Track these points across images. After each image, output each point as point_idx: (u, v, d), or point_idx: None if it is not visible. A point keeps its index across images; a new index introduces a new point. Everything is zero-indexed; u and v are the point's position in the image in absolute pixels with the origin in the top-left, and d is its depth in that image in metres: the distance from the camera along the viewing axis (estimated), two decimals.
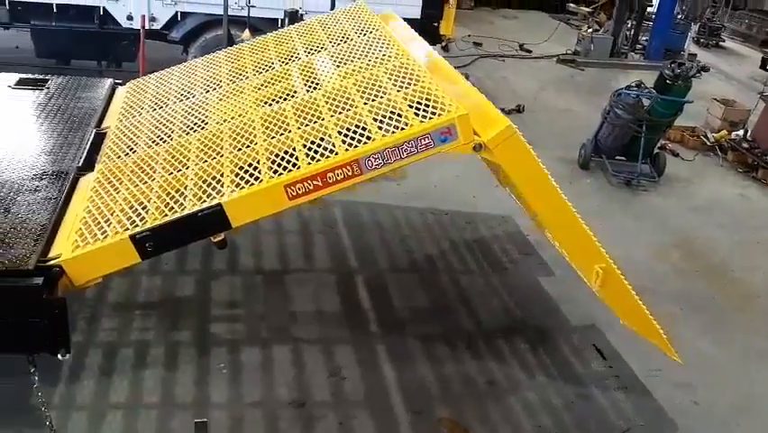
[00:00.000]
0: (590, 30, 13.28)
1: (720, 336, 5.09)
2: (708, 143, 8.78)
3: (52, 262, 2.92)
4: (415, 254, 5.65)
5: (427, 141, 3.21)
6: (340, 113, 3.52)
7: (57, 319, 2.82)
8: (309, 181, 3.11)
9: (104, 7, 7.45)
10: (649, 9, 13.83)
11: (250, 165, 3.25)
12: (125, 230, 3.00)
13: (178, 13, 7.55)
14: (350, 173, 3.15)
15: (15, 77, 4.91)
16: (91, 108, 4.50)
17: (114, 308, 4.50)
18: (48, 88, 4.74)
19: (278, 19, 7.36)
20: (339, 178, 3.15)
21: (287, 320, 4.64)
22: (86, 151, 3.86)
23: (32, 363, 3.01)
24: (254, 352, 4.28)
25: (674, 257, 6.08)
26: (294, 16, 6.54)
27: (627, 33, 13.18)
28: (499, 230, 6.07)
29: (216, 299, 4.77)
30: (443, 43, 9.26)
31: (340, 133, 3.32)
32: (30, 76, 4.99)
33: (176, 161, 3.50)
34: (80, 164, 3.72)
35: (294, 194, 3.11)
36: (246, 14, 7.28)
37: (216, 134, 3.67)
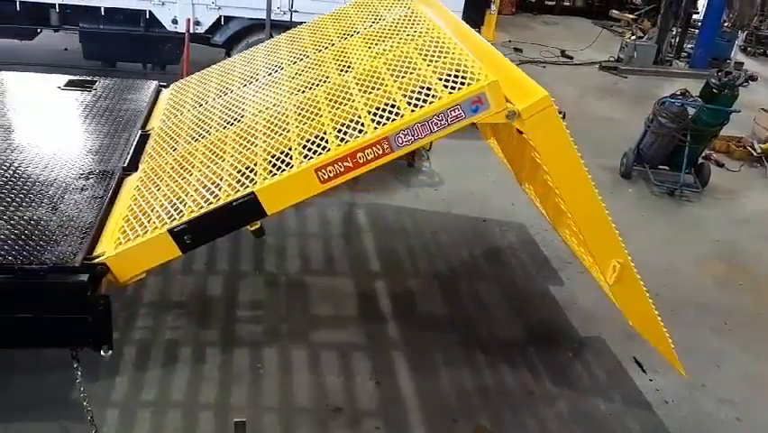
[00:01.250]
0: (634, 37, 13.08)
1: (765, 351, 4.94)
2: (755, 154, 8.55)
3: (97, 259, 2.98)
4: (450, 261, 5.62)
5: (458, 112, 3.11)
6: (370, 93, 3.47)
7: (101, 316, 2.87)
8: (339, 163, 3.07)
9: (150, 11, 7.59)
10: (695, 16, 13.57)
11: (282, 153, 3.24)
12: (164, 225, 3.05)
13: (222, 18, 7.65)
14: (380, 152, 3.09)
15: (65, 78, 5.03)
16: (137, 110, 4.59)
17: (149, 306, 4.58)
18: (95, 90, 4.85)
19: None
20: (370, 157, 3.09)
21: (323, 323, 4.65)
22: (131, 151, 3.94)
23: (75, 359, 3.07)
24: (291, 353, 4.31)
25: (718, 270, 5.94)
26: None
27: (672, 41, 12.94)
28: (538, 238, 5.99)
29: (254, 299, 4.81)
30: None
31: (370, 113, 3.26)
32: (78, 77, 5.11)
33: (213, 155, 3.55)
34: (125, 164, 3.79)
35: (325, 177, 3.08)
36: (288, 19, 7.35)
37: (252, 126, 3.70)
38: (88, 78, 5.06)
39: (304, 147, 3.20)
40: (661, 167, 7.58)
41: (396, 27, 4.33)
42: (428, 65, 3.50)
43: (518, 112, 3.10)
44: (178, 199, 3.21)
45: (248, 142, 3.53)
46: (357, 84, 3.65)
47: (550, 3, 16.85)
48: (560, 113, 9.49)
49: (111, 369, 3.91)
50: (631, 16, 15.11)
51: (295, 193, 3.14)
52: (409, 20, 4.38)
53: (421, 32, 4.03)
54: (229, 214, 3.07)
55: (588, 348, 4.69)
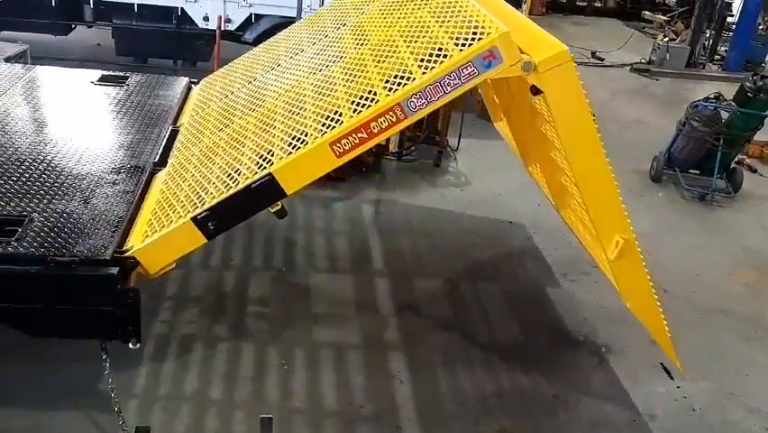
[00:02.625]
0: (666, 39, 12.90)
1: None
2: None
3: (127, 253, 3.02)
4: (474, 263, 5.59)
5: (470, 69, 2.99)
6: (384, 62, 3.40)
7: (130, 309, 2.90)
8: (354, 135, 3.03)
9: (182, 8, 7.68)
10: (729, 19, 13.33)
11: (301, 132, 3.21)
12: (187, 214, 3.07)
13: (252, 15, 7.71)
14: (393, 119, 3.03)
15: (98, 73, 5.11)
16: (168, 106, 4.64)
17: (183, 300, 4.63)
18: (127, 85, 4.91)
19: None
20: (384, 126, 3.03)
21: (346, 321, 4.66)
22: (162, 147, 3.98)
23: (104, 350, 3.11)
24: (315, 350, 4.33)
25: (749, 277, 5.83)
26: None
27: (705, 43, 12.73)
28: (564, 241, 5.92)
29: (281, 296, 4.84)
30: None
31: (383, 81, 3.19)
32: (111, 73, 5.19)
33: (235, 142, 3.56)
34: (156, 159, 3.83)
35: (341, 150, 3.04)
36: None
37: (272, 110, 3.70)
38: (121, 74, 5.13)
39: (321, 124, 3.16)
40: (692, 171, 7.46)
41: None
42: (440, 26, 3.39)
43: (535, 64, 2.97)
44: (201, 189, 3.23)
45: (268, 126, 3.53)
46: (372, 55, 3.58)
47: (581, 3, 16.71)
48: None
49: (136, 360, 3.97)
50: (664, 18, 14.90)
51: (312, 170, 3.10)
52: None
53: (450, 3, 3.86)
54: (249, 196, 3.06)
55: (614, 353, 4.63)
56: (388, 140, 7.15)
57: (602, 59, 12.54)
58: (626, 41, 13.24)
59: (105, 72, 5.16)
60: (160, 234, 3.05)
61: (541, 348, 4.63)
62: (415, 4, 3.96)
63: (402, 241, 5.76)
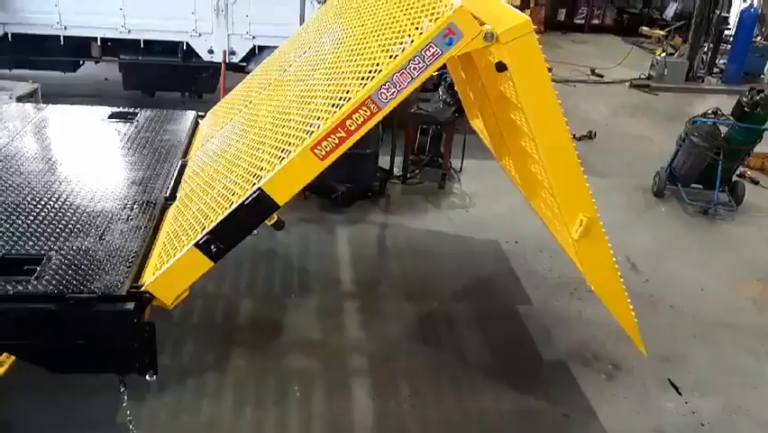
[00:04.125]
0: (665, 54, 13.04)
1: None
2: None
3: (142, 288, 3.11)
4: (481, 284, 5.66)
5: (433, 49, 3.02)
6: (356, 60, 3.46)
7: (146, 342, 2.99)
8: (332, 136, 3.08)
9: (187, 42, 7.85)
10: (726, 32, 13.47)
11: (287, 143, 3.28)
12: (190, 241, 3.17)
13: (256, 47, 7.87)
14: (368, 113, 3.07)
15: (107, 110, 5.24)
16: (177, 140, 4.75)
17: (188, 330, 4.71)
18: (137, 121, 5.04)
19: None
20: (360, 121, 3.08)
21: (354, 345, 4.73)
22: (172, 181, 4.08)
23: (122, 383, 3.20)
24: (326, 375, 4.39)
25: (755, 290, 5.87)
26: None
27: (704, 57, 12.86)
28: (571, 260, 5.98)
29: (288, 321, 4.92)
30: None
31: (356, 79, 3.23)
32: (121, 109, 5.31)
33: (232, 165, 3.66)
34: (167, 194, 3.93)
35: (323, 153, 3.10)
36: None
37: (263, 128, 3.79)
38: (130, 110, 5.25)
39: (305, 132, 3.23)
40: (694, 185, 7.53)
41: None
42: (405, 16, 3.45)
43: (497, 35, 2.99)
44: (202, 215, 3.33)
45: (260, 144, 3.62)
46: (347, 57, 3.65)
47: (579, 21, 16.91)
48: (590, 132, 9.55)
49: (153, 390, 4.05)
50: (661, 33, 15.05)
51: (299, 178, 3.18)
52: None
53: None
54: (245, 214, 3.15)
55: (622, 370, 4.68)
56: (392, 164, 7.29)
57: (602, 76, 12.67)
58: (624, 57, 13.38)
59: (115, 109, 5.28)
60: (169, 265, 3.14)
61: (550, 367, 4.68)
62: (385, 0, 4.00)
63: (408, 263, 5.84)
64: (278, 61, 4.95)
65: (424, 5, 3.31)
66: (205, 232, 3.15)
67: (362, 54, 3.48)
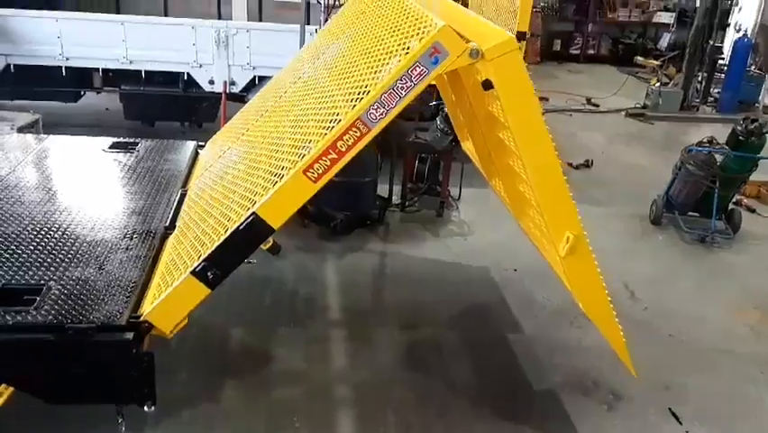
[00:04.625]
0: (659, 83, 13.18)
1: None
2: None
3: (141, 318, 3.12)
4: (479, 312, 5.66)
5: (419, 69, 3.06)
6: (347, 83, 3.50)
7: (145, 372, 2.99)
8: (324, 158, 3.12)
9: (188, 73, 7.94)
10: (720, 61, 13.64)
11: (280, 168, 3.31)
12: (187, 269, 3.19)
13: (256, 78, 7.96)
14: (358, 134, 3.11)
15: (108, 140, 5.29)
16: (177, 170, 4.80)
17: (186, 360, 4.70)
18: (137, 151, 5.08)
19: None
20: (350, 142, 3.12)
21: (351, 376, 4.71)
22: (172, 211, 4.11)
23: (119, 414, 3.19)
24: (324, 406, 4.37)
25: (753, 318, 5.87)
26: None
27: (698, 86, 13.00)
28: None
29: (286, 352, 4.91)
30: None
31: (346, 102, 3.28)
32: (121, 140, 5.37)
33: (229, 192, 3.69)
34: (167, 224, 3.96)
35: (315, 176, 3.13)
36: None
37: (258, 154, 3.83)
38: (131, 141, 5.30)
39: (297, 156, 3.26)
40: (691, 213, 7.57)
41: (374, 16, 4.27)
42: (393, 37, 3.48)
43: (482, 52, 3.02)
44: (199, 243, 3.35)
45: (255, 169, 3.64)
46: (338, 80, 3.69)
47: (575, 51, 17.11)
48: (587, 161, 9.60)
49: (149, 421, 4.03)
50: (656, 62, 15.24)
51: (292, 201, 3.19)
52: (386, 3, 4.28)
53: (391, 8, 3.98)
54: (240, 239, 3.16)
55: (623, 399, 4.66)
56: (390, 192, 7.33)
57: (597, 105, 12.80)
58: (620, 87, 13.52)
59: (116, 139, 5.33)
60: (166, 294, 3.16)
61: (550, 396, 4.65)
62: (374, 24, 4.06)
63: (405, 291, 5.85)
64: (274, 89, 5.02)
65: (410, 26, 3.36)
66: (201, 259, 3.16)
67: (352, 77, 3.52)
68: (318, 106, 3.62)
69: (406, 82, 3.08)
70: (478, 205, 7.55)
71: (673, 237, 7.36)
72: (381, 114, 3.11)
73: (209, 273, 3.15)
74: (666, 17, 17.20)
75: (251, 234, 3.18)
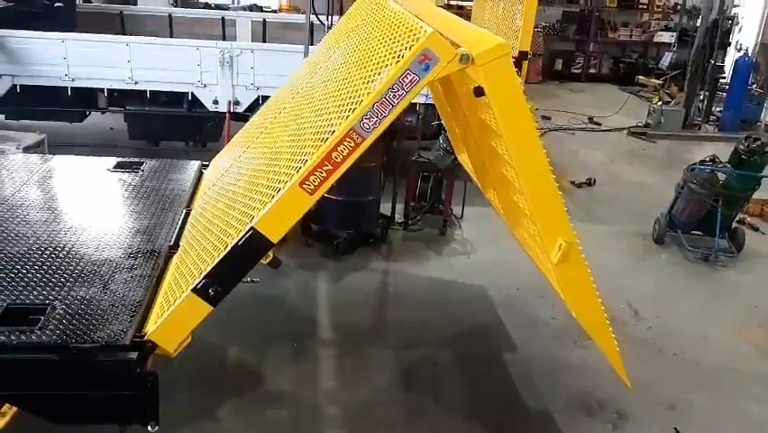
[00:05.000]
0: (661, 102, 13.24)
1: None
2: None
3: (145, 337, 3.12)
4: (483, 332, 5.65)
5: (411, 76, 3.06)
6: (341, 96, 3.50)
7: (149, 392, 2.99)
8: (319, 170, 3.12)
9: (192, 93, 7.99)
10: (722, 80, 13.71)
11: (278, 182, 3.32)
12: (188, 286, 3.19)
13: (260, 98, 8.01)
14: (352, 144, 3.11)
15: (113, 160, 5.32)
16: (181, 189, 4.82)
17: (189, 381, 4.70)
18: (142, 171, 5.11)
19: None
20: (345, 153, 3.12)
21: (353, 398, 4.70)
22: (176, 230, 4.13)
23: None
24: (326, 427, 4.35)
25: (757, 337, 5.85)
26: None
27: (700, 105, 13.05)
28: None
29: (289, 371, 4.90)
30: None
31: (340, 113, 3.27)
32: (126, 159, 5.39)
33: (228, 208, 3.70)
34: (171, 243, 3.97)
35: (312, 188, 3.13)
36: None
37: (257, 170, 3.84)
38: (136, 160, 5.33)
39: (294, 170, 3.25)
40: (694, 232, 7.57)
41: (366, 28, 4.29)
42: (385, 48, 3.47)
43: (472, 57, 3.01)
44: (200, 261, 3.36)
45: (254, 185, 3.65)
46: (333, 93, 3.70)
47: (576, 70, 17.21)
48: (589, 179, 9.61)
49: None
50: (657, 81, 15.31)
51: (290, 214, 3.19)
52: (378, 15, 4.29)
53: (384, 19, 3.99)
54: (239, 254, 3.16)
55: (628, 419, 4.64)
56: (393, 211, 7.35)
57: (599, 124, 12.84)
58: (621, 106, 13.57)
59: (121, 159, 5.36)
60: (169, 313, 3.16)
61: (555, 416, 4.63)
62: (368, 36, 4.07)
63: (408, 310, 5.84)
64: (273, 105, 5.06)
65: (402, 35, 3.36)
66: (202, 276, 3.16)
67: (347, 89, 3.53)
68: (314, 120, 3.63)
69: (398, 90, 3.09)
70: (480, 223, 7.56)
71: (677, 256, 7.35)
72: (375, 123, 3.11)
73: (210, 290, 3.14)
74: (667, 37, 17.32)
75: (251, 248, 3.18)
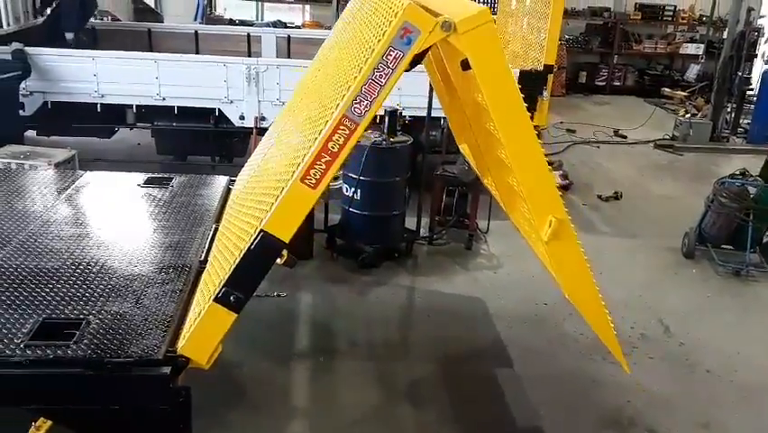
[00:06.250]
0: (688, 114, 13.11)
1: None
2: None
3: (177, 351, 3.14)
4: (511, 348, 5.59)
5: (394, 53, 3.01)
6: (334, 87, 3.47)
7: (182, 407, 3.00)
8: (318, 162, 3.09)
9: (219, 109, 8.08)
10: (749, 92, 13.55)
11: (285, 182, 3.28)
12: (210, 298, 3.19)
13: None
14: (346, 131, 3.08)
15: (143, 176, 5.38)
16: (210, 205, 4.85)
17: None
18: (172, 186, 5.16)
19: (377, 115, 7.70)
20: (341, 141, 3.09)
21: (377, 414, 4.68)
22: (207, 245, 4.16)
23: None
24: None
25: None
26: (393, 115, 6.85)
27: (727, 117, 12.90)
28: None
29: (317, 384, 4.89)
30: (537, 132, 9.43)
31: (335, 105, 3.23)
32: (156, 175, 5.45)
33: (247, 216, 3.68)
34: (202, 258, 4.00)
35: (313, 182, 3.11)
36: None
37: (269, 175, 3.83)
38: (165, 176, 5.38)
39: (296, 167, 3.22)
40: (724, 246, 7.45)
41: (362, 18, 4.16)
42: (372, 33, 3.41)
43: (454, 24, 2.96)
44: (221, 270, 3.37)
45: (266, 189, 3.63)
46: (331, 86, 3.66)
47: (600, 83, 17.10)
48: (616, 193, 9.51)
49: None
50: (683, 94, 15.18)
51: (296, 211, 3.17)
52: (371, 4, 4.15)
53: (373, 6, 3.89)
54: (253, 258, 3.15)
55: None
56: (418, 225, 7.34)
57: (625, 137, 12.73)
58: (647, 118, 13.45)
59: (151, 174, 5.42)
60: (195, 325, 3.17)
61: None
62: (360, 26, 4.00)
63: (433, 325, 5.81)
64: (286, 110, 5.10)
65: (384, 15, 3.32)
66: (221, 285, 3.17)
67: (339, 80, 3.50)
68: (315, 117, 3.61)
69: (384, 69, 3.05)
70: (506, 238, 7.51)
71: (707, 270, 7.24)
72: (365, 106, 3.08)
73: (231, 297, 3.14)
74: (692, 49, 17.16)
75: (263, 251, 3.16)
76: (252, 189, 4.11)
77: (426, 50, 3.35)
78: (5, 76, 7.14)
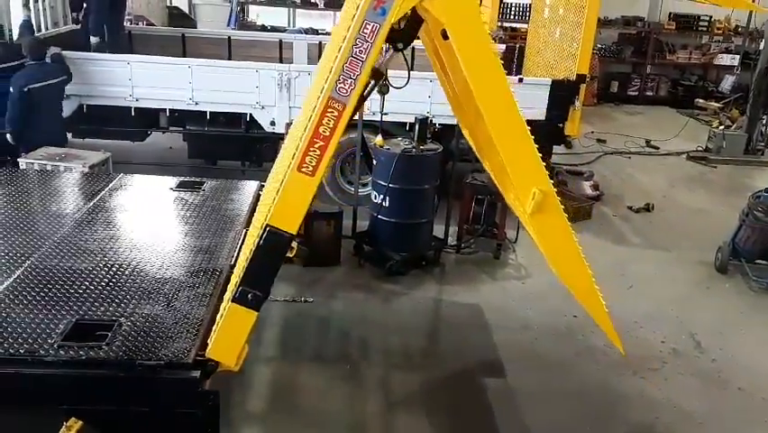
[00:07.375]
0: (722, 126, 12.88)
1: None
2: None
3: (206, 355, 3.16)
4: (538, 360, 5.53)
5: (370, 26, 3.00)
6: (325, 75, 3.41)
7: (210, 410, 3.03)
8: (312, 148, 3.09)
9: (250, 114, 8.15)
10: None
11: (282, 173, 3.30)
12: (229, 299, 3.22)
13: None
14: (335, 114, 3.07)
15: (176, 180, 5.45)
16: (240, 209, 4.90)
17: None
18: (203, 190, 5.22)
19: (407, 123, 7.72)
20: (331, 124, 3.08)
21: (405, 423, 4.66)
22: (237, 249, 4.19)
23: None
24: None
25: None
26: (423, 122, 6.84)
27: (762, 129, 12.64)
28: (631, 335, 5.81)
29: (341, 392, 4.89)
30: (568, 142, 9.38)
31: (323, 91, 3.22)
32: (188, 179, 5.52)
33: (261, 215, 3.70)
34: (232, 262, 4.03)
35: (310, 170, 3.10)
36: (379, 119, 7.70)
37: (280, 175, 3.85)
38: (197, 180, 5.45)
39: (293, 157, 3.22)
40: (759, 261, 7.30)
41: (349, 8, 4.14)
42: (352, 12, 3.35)
43: None
44: (238, 271, 3.37)
45: (271, 190, 3.67)
46: (321, 75, 3.65)
47: (632, 93, 16.89)
48: (647, 205, 9.36)
49: None
50: (717, 105, 14.91)
51: (298, 202, 3.17)
52: None
53: None
54: (263, 254, 3.16)
55: None
56: (447, 233, 7.31)
57: (657, 148, 12.55)
58: (680, 130, 13.26)
59: (183, 178, 5.49)
60: (219, 328, 3.19)
61: None
62: (347, 15, 3.90)
63: (462, 335, 5.78)
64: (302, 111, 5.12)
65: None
66: (236, 285, 3.18)
67: (326, 67, 3.48)
68: (310, 108, 3.56)
69: (362, 44, 3.04)
70: (535, 248, 7.34)
71: (740, 286, 7.10)
72: (350, 85, 3.07)
73: (249, 296, 3.16)
74: (727, 59, 16.87)
75: (272, 245, 3.17)
76: (267, 190, 4.14)
77: (416, 26, 3.32)
78: (55, 81, 7.28)
